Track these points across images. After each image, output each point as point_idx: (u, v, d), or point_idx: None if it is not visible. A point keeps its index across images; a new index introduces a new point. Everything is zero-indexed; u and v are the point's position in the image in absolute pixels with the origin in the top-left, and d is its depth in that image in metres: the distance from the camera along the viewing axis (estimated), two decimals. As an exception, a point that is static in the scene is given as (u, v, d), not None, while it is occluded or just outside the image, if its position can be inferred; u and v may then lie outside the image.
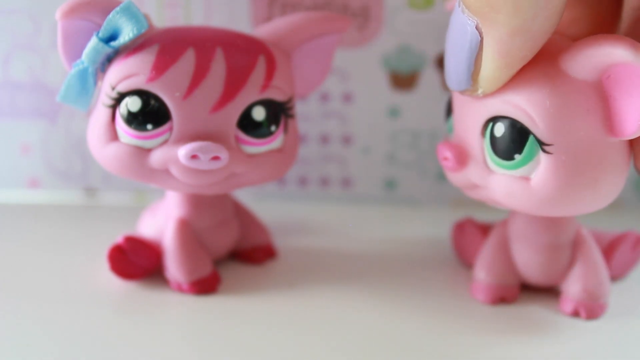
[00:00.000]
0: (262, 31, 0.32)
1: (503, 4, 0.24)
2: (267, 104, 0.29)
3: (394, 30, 0.40)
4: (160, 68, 0.28)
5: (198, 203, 0.32)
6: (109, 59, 0.29)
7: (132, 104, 0.28)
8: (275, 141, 0.30)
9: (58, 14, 0.28)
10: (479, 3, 0.24)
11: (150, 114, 0.28)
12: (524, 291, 0.33)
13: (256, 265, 0.35)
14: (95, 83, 0.29)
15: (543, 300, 0.32)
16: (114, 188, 0.44)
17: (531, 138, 0.26)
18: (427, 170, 0.43)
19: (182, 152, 0.28)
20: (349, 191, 0.44)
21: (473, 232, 0.35)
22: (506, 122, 0.26)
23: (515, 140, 0.26)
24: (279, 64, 0.30)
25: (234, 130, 0.29)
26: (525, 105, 0.25)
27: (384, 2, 0.40)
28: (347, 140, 0.43)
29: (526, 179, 0.27)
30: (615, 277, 0.33)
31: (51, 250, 0.36)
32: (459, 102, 0.28)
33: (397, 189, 0.44)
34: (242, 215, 0.35)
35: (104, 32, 0.28)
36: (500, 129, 0.26)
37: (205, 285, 0.32)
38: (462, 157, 0.28)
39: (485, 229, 0.35)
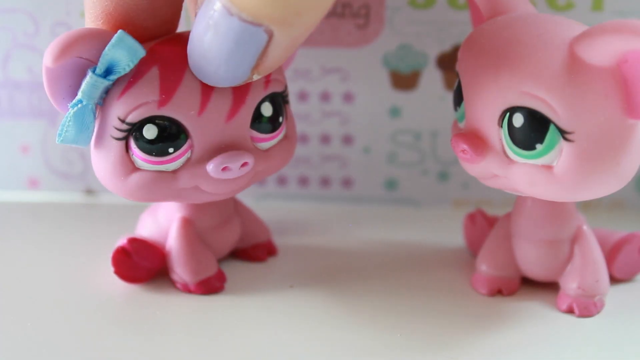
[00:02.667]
0: None
1: (309, 8, 0.24)
2: (272, 98, 0.30)
3: (395, 30, 0.40)
4: (168, 91, 0.27)
5: (200, 203, 0.32)
6: (107, 91, 0.28)
7: (149, 132, 0.27)
8: (283, 131, 0.31)
9: (49, 60, 0.26)
10: (280, 11, 0.24)
11: (169, 138, 0.28)
12: (525, 285, 0.33)
13: (257, 264, 0.35)
14: (95, 118, 0.28)
15: (542, 295, 0.32)
16: (114, 188, 0.44)
17: (552, 127, 0.26)
18: (428, 170, 0.43)
19: (211, 167, 0.28)
20: (349, 191, 0.44)
21: (483, 224, 0.35)
22: (524, 112, 0.26)
23: (536, 130, 0.26)
24: None
25: (249, 132, 0.29)
26: (544, 95, 0.26)
27: (384, 2, 0.40)
28: (347, 140, 0.43)
29: (548, 167, 0.27)
30: (620, 279, 0.33)
31: (51, 251, 0.36)
32: (471, 91, 0.28)
33: (398, 189, 0.43)
34: (242, 214, 0.35)
35: (100, 67, 0.27)
36: (519, 120, 0.26)
37: (211, 285, 0.32)
38: (480, 149, 0.28)
39: (494, 222, 0.35)
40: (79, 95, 0.27)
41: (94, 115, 0.28)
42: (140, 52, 0.27)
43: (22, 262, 0.35)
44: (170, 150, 0.28)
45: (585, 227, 0.31)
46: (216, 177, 0.28)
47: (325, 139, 0.43)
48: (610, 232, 0.34)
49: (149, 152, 0.28)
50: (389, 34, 0.40)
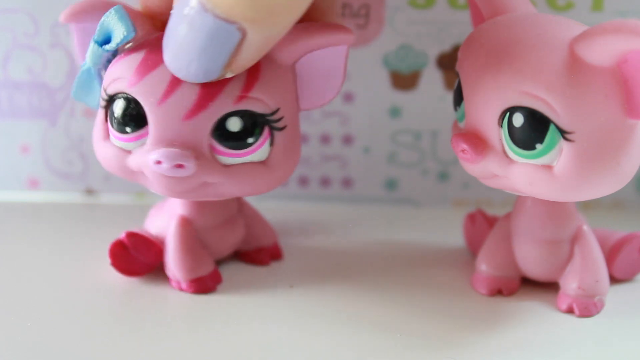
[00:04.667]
0: None
1: (283, 8, 0.24)
2: (244, 115, 0.28)
3: (395, 30, 0.40)
4: (140, 73, 0.28)
5: (201, 202, 0.32)
6: (109, 61, 0.30)
7: (117, 106, 0.29)
8: (256, 153, 0.29)
9: (61, 17, 0.29)
10: (254, 10, 0.24)
11: (130, 117, 0.29)
12: (525, 286, 0.33)
13: (259, 266, 0.35)
14: (101, 83, 0.30)
15: (542, 295, 0.32)
16: (114, 188, 0.44)
17: (552, 127, 0.26)
18: (428, 170, 0.43)
19: (150, 155, 0.28)
20: (349, 191, 0.44)
21: (483, 224, 0.35)
22: (524, 112, 0.26)
23: (536, 130, 0.26)
24: (264, 74, 0.29)
25: (207, 140, 0.28)
26: (544, 95, 0.26)
27: (384, 2, 0.40)
28: (347, 140, 0.43)
29: (548, 167, 0.27)
30: (620, 279, 0.33)
31: (51, 251, 0.36)
32: (471, 91, 0.28)
33: (398, 189, 0.43)
34: (247, 215, 0.35)
35: (98, 35, 0.29)
36: (519, 120, 0.26)
37: (203, 284, 0.32)
38: (480, 149, 0.28)
39: (494, 222, 0.35)
40: (85, 58, 0.30)
41: (100, 80, 0.30)
42: (131, 29, 0.28)
43: (22, 262, 0.35)
44: (128, 129, 0.29)
45: (585, 227, 0.31)
46: (153, 169, 0.28)
47: (325, 139, 0.43)
48: (610, 232, 0.34)
49: (112, 125, 0.29)
50: (389, 34, 0.40)
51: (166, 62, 0.27)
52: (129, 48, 0.29)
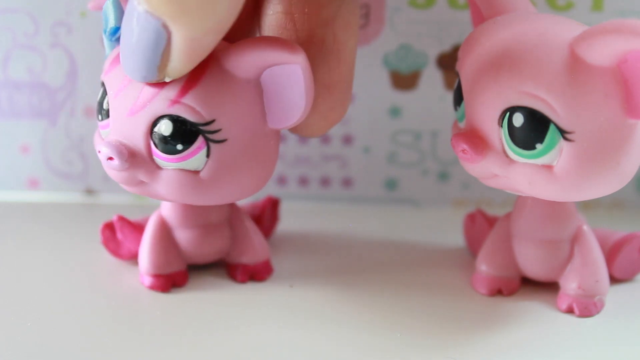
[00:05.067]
0: (221, 46, 0.29)
1: (196, 7, 0.24)
2: (175, 120, 0.28)
3: (395, 30, 0.40)
4: (112, 65, 0.29)
5: (180, 204, 0.33)
6: None
7: (98, 93, 0.30)
8: (188, 161, 0.28)
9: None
10: (168, 5, 0.24)
11: (101, 106, 0.30)
12: (525, 285, 0.33)
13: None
14: None
15: (542, 295, 0.32)
16: (114, 188, 0.44)
17: (552, 127, 0.26)
18: (428, 170, 0.43)
19: (98, 144, 0.29)
20: (349, 191, 0.44)
21: (483, 224, 0.35)
22: (524, 112, 0.26)
23: (535, 130, 0.26)
24: (206, 83, 0.28)
25: (145, 139, 0.28)
26: (544, 95, 0.26)
27: (384, 2, 0.40)
28: (347, 139, 0.43)
29: (549, 167, 0.27)
30: (621, 279, 0.33)
31: (51, 251, 0.36)
32: (470, 90, 0.28)
33: (398, 189, 0.43)
34: (235, 228, 0.34)
35: (104, 24, 0.29)
36: (518, 119, 0.26)
37: (162, 282, 0.33)
38: (480, 149, 0.28)
39: (494, 222, 0.35)
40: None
41: None
42: (113, 22, 0.29)
43: (22, 262, 0.35)
44: (99, 117, 0.30)
45: (585, 227, 0.31)
46: (99, 156, 0.29)
47: (325, 139, 0.43)
48: (610, 232, 0.34)
49: (95, 109, 0.31)
50: (389, 34, 0.40)
51: (121, 59, 0.28)
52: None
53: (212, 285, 0.33)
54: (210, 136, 0.28)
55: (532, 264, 0.32)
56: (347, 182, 0.44)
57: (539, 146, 0.26)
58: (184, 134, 0.28)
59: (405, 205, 0.44)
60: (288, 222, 0.40)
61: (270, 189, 0.44)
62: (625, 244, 0.33)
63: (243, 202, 0.36)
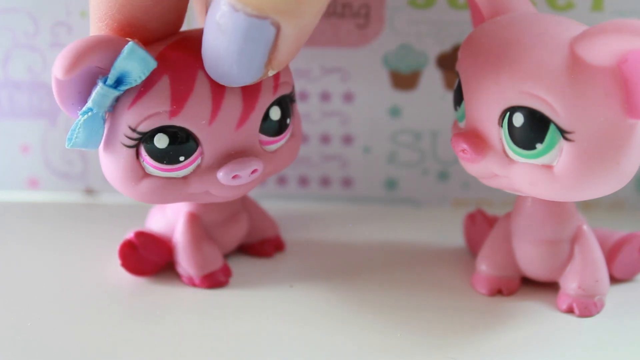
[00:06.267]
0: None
1: None
2: (279, 101, 0.30)
3: (395, 30, 0.40)
4: (179, 101, 0.27)
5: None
6: (116, 99, 0.28)
7: (160, 141, 0.28)
8: (290, 130, 0.31)
9: (60, 73, 0.25)
10: (283, 2, 0.24)
11: (180, 146, 0.28)
12: (525, 285, 0.33)
13: (259, 262, 0.35)
14: (104, 123, 0.28)
15: (542, 295, 0.32)
16: (114, 188, 0.44)
17: (552, 127, 0.26)
18: (428, 170, 0.43)
19: (221, 174, 0.28)
20: (349, 191, 0.44)
21: (483, 224, 0.35)
22: (524, 111, 0.26)
23: (536, 130, 0.26)
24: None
25: (257, 137, 0.29)
26: (544, 95, 0.26)
27: (384, 2, 0.40)
28: (347, 139, 0.43)
29: (549, 167, 0.27)
30: (621, 279, 0.33)
31: (51, 251, 0.36)
32: (471, 91, 0.28)
33: (398, 189, 0.43)
34: (250, 209, 0.36)
35: (111, 78, 0.26)
36: (519, 119, 0.26)
37: (216, 279, 0.33)
38: (480, 148, 0.28)
39: (494, 222, 0.35)
40: (89, 104, 0.27)
41: (104, 121, 0.28)
42: (151, 63, 0.27)
43: (22, 262, 0.35)
44: (181, 158, 0.28)
45: (585, 227, 0.31)
46: (227, 184, 0.29)
47: (325, 139, 0.43)
48: (611, 232, 0.34)
49: (159, 160, 0.28)
50: (389, 34, 0.40)
51: (209, 72, 0.27)
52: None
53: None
54: (293, 98, 0.30)
55: (532, 263, 0.32)
56: (347, 182, 0.44)
57: (539, 146, 0.26)
58: (287, 107, 0.30)
59: (405, 205, 0.44)
60: (288, 222, 0.40)
61: (271, 189, 0.44)
62: (625, 244, 0.33)
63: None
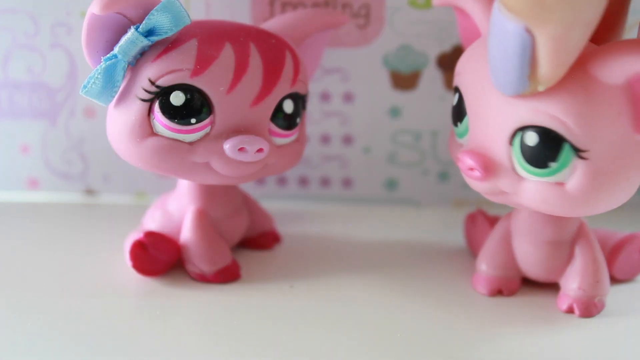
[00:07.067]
0: (271, 26, 0.32)
1: (556, 0, 0.23)
2: (295, 97, 0.30)
3: (395, 30, 0.40)
4: (204, 63, 0.28)
5: (212, 194, 0.33)
6: (141, 53, 0.29)
7: (176, 98, 0.28)
8: (297, 133, 0.32)
9: (97, 7, 0.26)
10: (527, 4, 0.23)
11: (194, 108, 0.28)
12: (526, 286, 0.33)
13: (258, 261, 0.35)
14: (123, 77, 0.28)
15: (543, 295, 0.32)
16: (114, 188, 0.44)
17: (566, 145, 0.26)
18: (428, 170, 0.43)
19: (229, 145, 0.29)
20: (349, 191, 0.44)
21: (483, 224, 0.35)
22: (538, 130, 0.26)
23: (550, 149, 0.26)
24: (300, 58, 0.31)
25: (267, 124, 0.30)
26: (559, 114, 0.25)
27: (384, 2, 0.40)
28: (347, 140, 0.43)
29: (560, 184, 0.26)
30: (621, 279, 0.33)
31: (51, 251, 0.36)
32: (478, 109, 0.28)
33: (398, 189, 0.43)
34: (249, 204, 0.36)
35: (144, 27, 0.28)
36: (532, 138, 0.26)
37: (229, 273, 0.33)
38: (489, 167, 0.28)
39: (495, 222, 0.35)
40: (115, 50, 0.28)
41: (124, 74, 0.28)
42: (185, 19, 0.28)
43: (22, 262, 0.35)
44: (193, 120, 0.28)
45: (585, 228, 0.31)
46: (231, 156, 0.29)
47: (325, 139, 0.43)
48: (611, 233, 0.34)
49: (171, 118, 0.28)
50: (389, 34, 0.40)
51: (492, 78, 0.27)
52: (171, 37, 0.28)
53: (212, 285, 0.33)
54: (305, 104, 0.32)
55: (533, 264, 0.32)
56: (347, 182, 0.44)
57: (552, 165, 0.26)
58: (298, 107, 0.31)
59: (405, 205, 0.44)
60: (288, 222, 0.40)
61: (271, 189, 0.44)
62: (625, 244, 0.33)
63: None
